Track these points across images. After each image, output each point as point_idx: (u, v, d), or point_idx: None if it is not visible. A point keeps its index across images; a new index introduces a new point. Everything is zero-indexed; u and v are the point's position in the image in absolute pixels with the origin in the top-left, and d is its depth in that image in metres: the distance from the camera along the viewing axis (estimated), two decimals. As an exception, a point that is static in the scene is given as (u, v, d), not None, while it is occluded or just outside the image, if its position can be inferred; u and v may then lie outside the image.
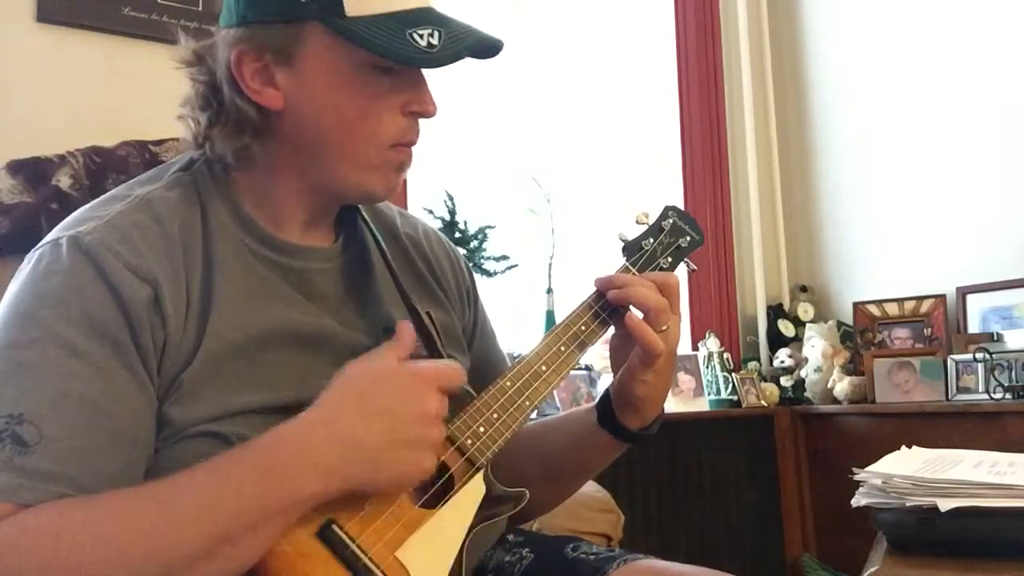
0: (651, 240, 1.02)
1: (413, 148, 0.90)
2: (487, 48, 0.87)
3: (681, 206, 3.26)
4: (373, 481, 0.76)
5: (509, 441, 0.88)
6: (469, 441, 0.86)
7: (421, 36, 0.82)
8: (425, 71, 0.88)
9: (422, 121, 0.89)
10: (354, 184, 0.88)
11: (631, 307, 0.96)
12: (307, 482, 0.73)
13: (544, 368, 0.93)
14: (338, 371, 0.80)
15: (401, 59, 0.82)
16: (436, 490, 0.84)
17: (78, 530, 0.68)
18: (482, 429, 0.87)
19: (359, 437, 0.75)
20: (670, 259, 1.03)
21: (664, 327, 0.93)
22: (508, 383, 0.90)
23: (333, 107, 0.84)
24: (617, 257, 1.02)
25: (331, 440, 0.74)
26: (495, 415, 0.88)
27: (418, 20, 0.83)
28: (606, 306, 0.97)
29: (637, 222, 1.04)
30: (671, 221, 1.04)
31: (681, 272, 1.04)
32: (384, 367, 0.80)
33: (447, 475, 0.85)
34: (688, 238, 1.04)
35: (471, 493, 0.86)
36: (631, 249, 1.02)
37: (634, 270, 1.00)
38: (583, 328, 0.96)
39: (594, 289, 0.98)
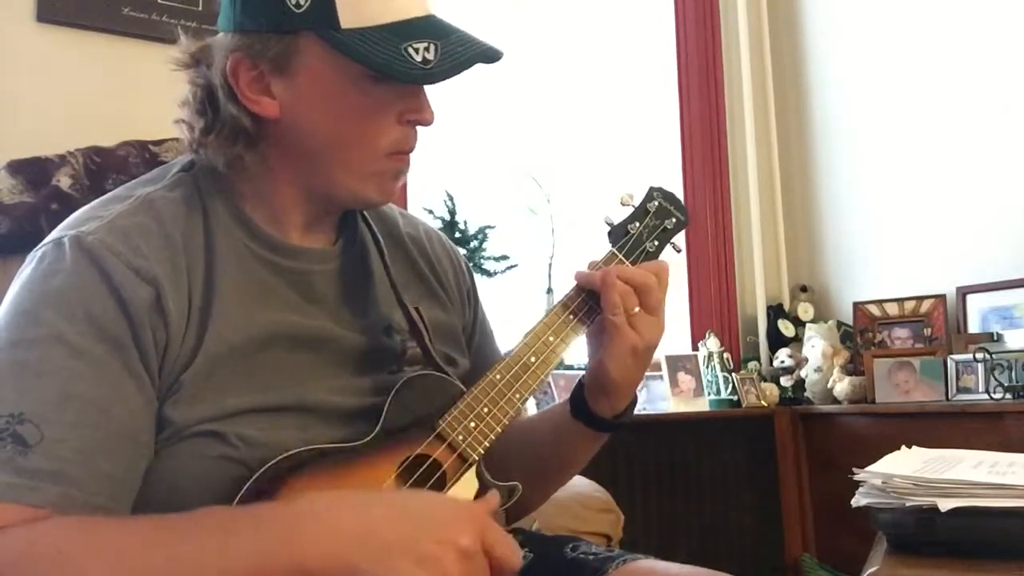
0: (637, 224, 1.02)
1: (412, 154, 0.90)
2: (486, 60, 0.86)
3: (681, 206, 3.24)
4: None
5: (500, 435, 0.88)
6: (460, 437, 0.86)
7: (417, 51, 0.81)
8: None
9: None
10: (351, 191, 0.88)
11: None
12: (314, 560, 0.68)
13: (533, 359, 0.92)
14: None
15: (397, 75, 0.81)
16: (429, 488, 0.84)
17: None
18: (473, 424, 0.87)
19: (379, 528, 0.69)
20: (656, 242, 1.02)
21: (635, 309, 0.93)
22: (497, 376, 0.90)
23: (330, 118, 0.84)
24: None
25: (352, 525, 0.69)
26: (485, 409, 0.88)
27: (414, 33, 0.82)
28: (593, 294, 0.96)
29: (622, 203, 1.03)
30: (656, 203, 1.04)
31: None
32: (446, 497, 0.77)
33: (439, 472, 0.85)
34: (673, 219, 1.04)
35: (464, 489, 0.85)
36: (617, 234, 1.01)
37: (621, 255, 0.99)
38: (571, 316, 0.95)
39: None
